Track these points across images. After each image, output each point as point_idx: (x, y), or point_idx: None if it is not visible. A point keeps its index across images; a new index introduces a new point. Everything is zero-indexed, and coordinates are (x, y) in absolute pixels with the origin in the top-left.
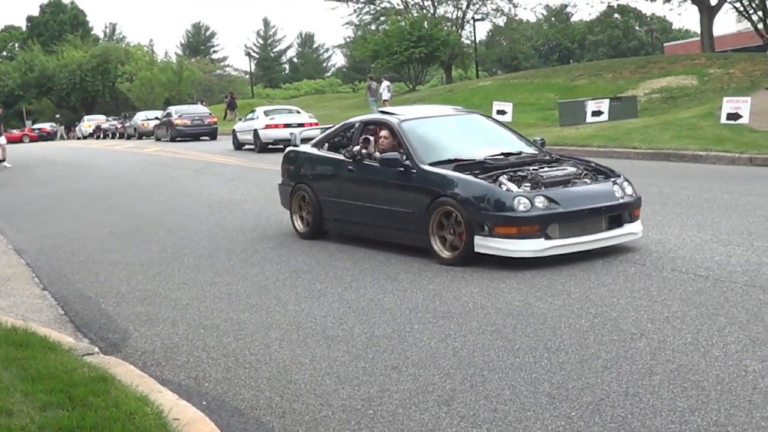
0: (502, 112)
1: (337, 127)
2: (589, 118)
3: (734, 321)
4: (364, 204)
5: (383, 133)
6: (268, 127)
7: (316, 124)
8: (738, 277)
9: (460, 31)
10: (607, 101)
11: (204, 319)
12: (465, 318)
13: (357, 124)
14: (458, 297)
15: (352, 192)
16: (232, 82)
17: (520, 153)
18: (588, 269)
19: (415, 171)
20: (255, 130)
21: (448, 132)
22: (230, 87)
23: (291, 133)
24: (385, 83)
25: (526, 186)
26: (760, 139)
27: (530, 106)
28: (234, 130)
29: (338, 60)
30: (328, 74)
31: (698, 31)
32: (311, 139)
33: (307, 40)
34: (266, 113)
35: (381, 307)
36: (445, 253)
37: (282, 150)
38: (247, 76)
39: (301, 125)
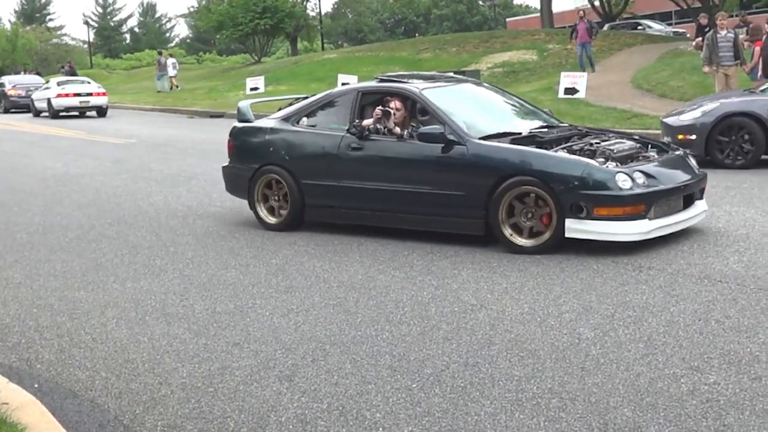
0: (346, 85)
1: (317, 98)
2: None
3: (569, 290)
4: (379, 187)
5: (394, 104)
6: (59, 96)
7: (105, 93)
8: (573, 247)
9: (305, 2)
10: (451, 75)
11: (37, 299)
12: (308, 292)
13: (352, 95)
14: (301, 271)
15: (357, 173)
16: (70, 51)
17: (556, 125)
18: (431, 242)
19: (464, 146)
20: (48, 99)
21: (470, 102)
22: (68, 57)
23: (239, 107)
24: (171, 60)
25: (609, 162)
26: (596, 113)
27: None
28: (32, 98)
29: (182, 30)
30: (172, 45)
31: (538, 7)
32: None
33: (148, 10)
34: (59, 83)
35: (223, 282)
36: (522, 241)
37: (77, 116)
38: (86, 46)
39: (89, 94)
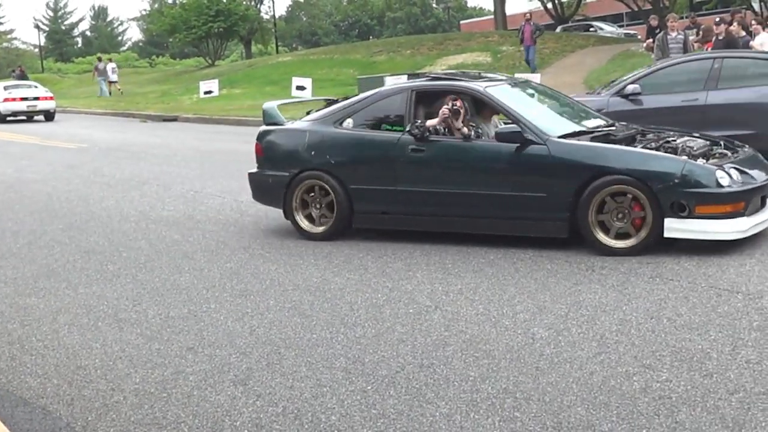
0: (301, 88)
1: (362, 98)
2: None
3: (524, 290)
4: (446, 190)
5: (459, 103)
6: (6, 100)
7: (52, 98)
8: (527, 247)
9: (259, 5)
10: (405, 77)
11: None
12: (262, 296)
13: (405, 94)
14: (256, 275)
15: (419, 177)
16: (21, 55)
17: (615, 123)
18: (386, 244)
19: (544, 146)
20: None
21: (529, 100)
22: (18, 61)
23: (265, 109)
24: (111, 65)
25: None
26: None
27: (330, 81)
28: None
29: (134, 34)
30: (124, 48)
31: (492, 9)
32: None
33: (100, 13)
34: (5, 88)
35: (177, 287)
36: (614, 242)
37: (25, 120)
38: (37, 50)
39: (36, 98)
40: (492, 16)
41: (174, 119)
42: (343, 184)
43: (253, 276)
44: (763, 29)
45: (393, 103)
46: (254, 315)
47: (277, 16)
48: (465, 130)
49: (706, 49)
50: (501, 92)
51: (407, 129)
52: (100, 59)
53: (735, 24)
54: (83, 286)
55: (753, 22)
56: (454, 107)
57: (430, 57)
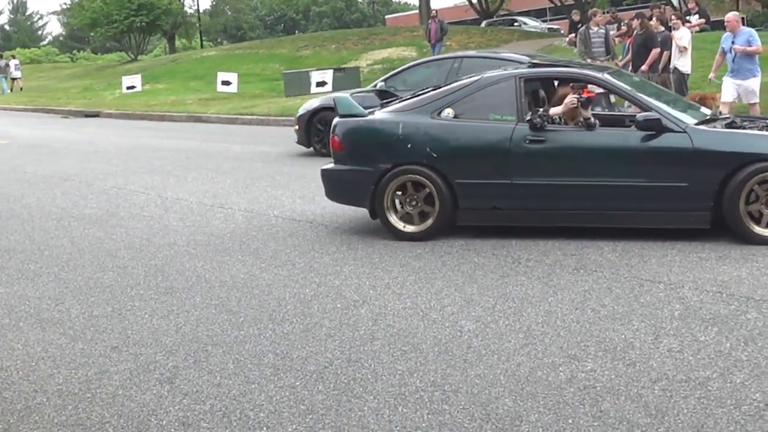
0: (227, 83)
1: (460, 86)
2: (314, 89)
3: (451, 283)
4: (573, 183)
5: (563, 91)
6: None
7: None
8: (454, 241)
9: None
10: (331, 72)
11: None
12: (188, 293)
13: (511, 81)
14: (181, 272)
15: (539, 169)
16: None
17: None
18: (313, 239)
19: (684, 134)
20: None
21: (642, 87)
22: None
23: (338, 99)
24: (14, 61)
25: None
26: None
27: (256, 76)
28: None
29: (54, 28)
30: (44, 43)
31: (417, 4)
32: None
33: (19, 7)
34: None
35: (100, 285)
36: (765, 231)
37: None
38: None
39: None
40: (417, 11)
41: (96, 115)
42: (446, 178)
43: (179, 273)
44: (683, 24)
45: (500, 91)
46: (180, 312)
47: (201, 11)
48: (592, 118)
49: (628, 44)
50: (620, 79)
51: (528, 118)
52: (1, 56)
53: (654, 19)
54: (3, 285)
55: (672, 17)
56: (582, 96)
57: (356, 52)
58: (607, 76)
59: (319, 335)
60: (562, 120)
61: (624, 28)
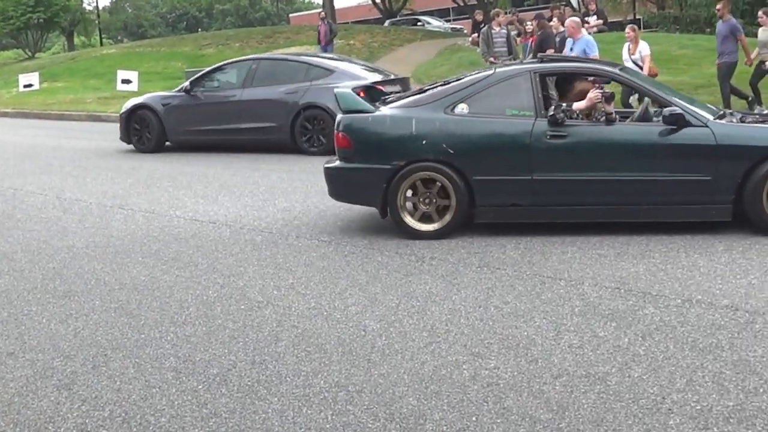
0: (127, 81)
1: (475, 82)
2: None
3: (355, 283)
4: (596, 178)
5: (582, 86)
6: None
7: None
8: (358, 240)
9: None
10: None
11: None
12: (87, 296)
13: (526, 76)
14: (80, 274)
15: (561, 164)
16: None
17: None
18: (216, 240)
19: (706, 128)
20: None
21: (651, 83)
22: None
23: (341, 94)
24: None
25: None
26: None
27: (157, 75)
28: None
29: None
30: None
31: (321, 2)
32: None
33: None
34: None
35: None
36: None
37: None
38: None
39: None
40: (321, 10)
41: None
42: (464, 175)
43: (77, 276)
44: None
45: (515, 86)
46: (78, 316)
47: (100, 7)
48: (614, 113)
49: (531, 44)
50: (633, 75)
51: (550, 113)
52: None
53: (555, 20)
54: None
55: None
56: (608, 91)
57: (259, 50)
58: (622, 72)
59: (222, 337)
60: (579, 115)
61: (530, 27)
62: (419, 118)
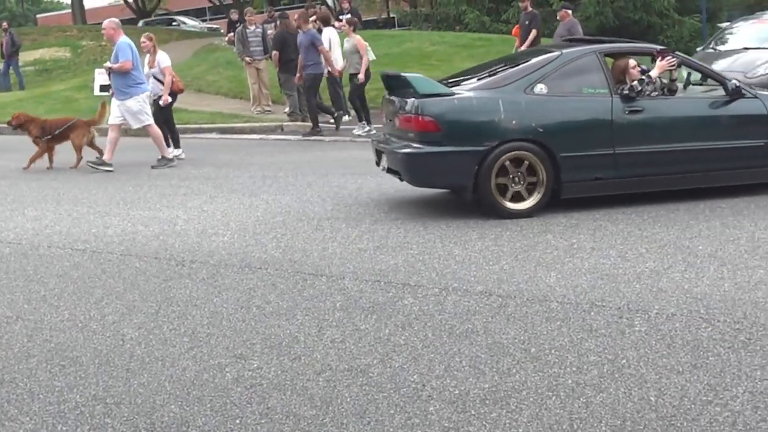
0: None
1: (547, 62)
2: None
3: (112, 292)
4: (671, 148)
5: (621, 62)
6: None
7: None
8: (114, 247)
9: None
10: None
11: None
12: None
13: (592, 56)
14: None
15: (640, 137)
16: None
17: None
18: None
19: (757, 99)
20: None
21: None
22: None
23: (416, 78)
24: None
25: None
26: None
27: None
28: None
29: None
30: None
31: (69, 2)
32: None
33: None
34: None
35: None
36: None
37: None
38: None
39: None
40: (70, 10)
41: None
42: (551, 153)
43: None
44: (333, 24)
45: (586, 65)
46: None
47: None
48: (676, 83)
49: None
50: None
51: (624, 90)
52: None
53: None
54: None
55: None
56: (673, 60)
57: None
58: (677, 53)
59: None
60: (655, 87)
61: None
62: (506, 99)
